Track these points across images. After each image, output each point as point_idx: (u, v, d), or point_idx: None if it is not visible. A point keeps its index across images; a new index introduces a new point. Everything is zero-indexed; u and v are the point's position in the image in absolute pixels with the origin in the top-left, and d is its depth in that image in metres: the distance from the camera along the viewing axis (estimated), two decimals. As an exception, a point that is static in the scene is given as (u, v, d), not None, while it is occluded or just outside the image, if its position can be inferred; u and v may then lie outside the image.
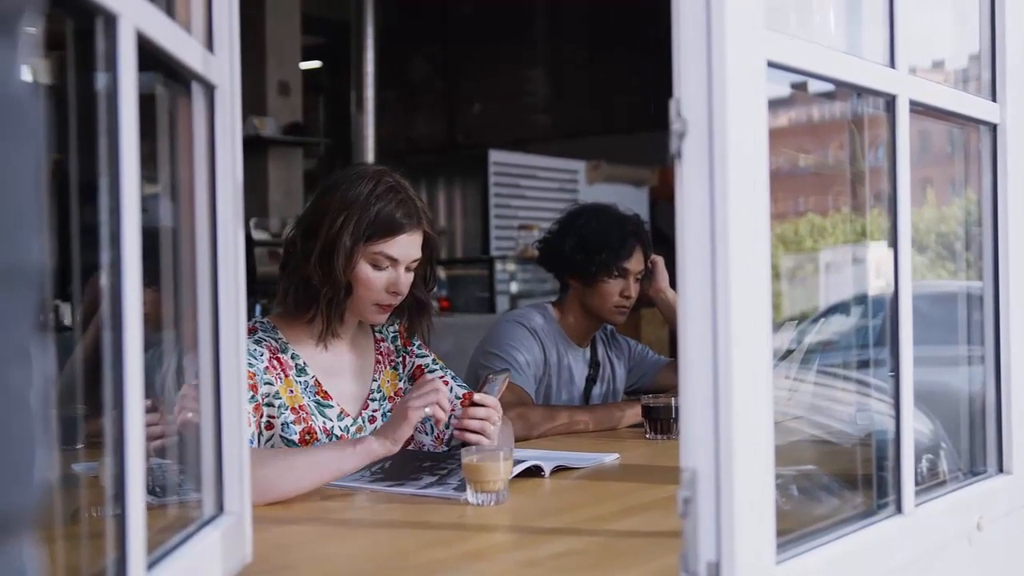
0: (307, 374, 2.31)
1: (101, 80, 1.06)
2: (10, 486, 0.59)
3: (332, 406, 2.32)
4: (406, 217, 2.29)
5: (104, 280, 1.06)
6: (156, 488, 1.41)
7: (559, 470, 2.27)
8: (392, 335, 2.52)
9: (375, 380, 2.44)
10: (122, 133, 1.05)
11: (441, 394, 2.09)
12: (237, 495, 1.45)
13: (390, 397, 2.45)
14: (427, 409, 2.05)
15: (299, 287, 2.29)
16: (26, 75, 0.61)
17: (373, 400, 2.42)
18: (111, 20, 1.03)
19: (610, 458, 2.44)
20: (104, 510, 1.42)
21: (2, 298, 0.58)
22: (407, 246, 2.31)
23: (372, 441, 2.06)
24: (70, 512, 1.33)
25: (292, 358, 2.31)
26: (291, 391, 2.27)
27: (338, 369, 2.38)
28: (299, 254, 2.28)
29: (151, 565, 1.13)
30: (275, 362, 2.26)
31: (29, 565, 0.62)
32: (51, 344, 0.65)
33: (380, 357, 2.47)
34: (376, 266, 2.28)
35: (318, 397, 2.31)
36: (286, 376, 2.27)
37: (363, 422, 2.37)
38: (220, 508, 1.43)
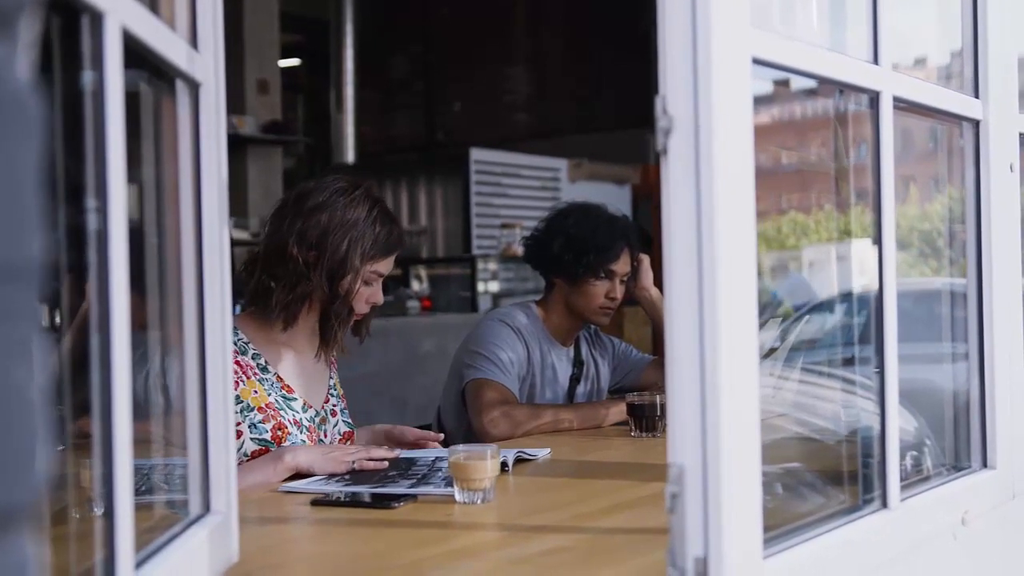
0: (269, 372, 2.39)
1: (86, 78, 1.05)
2: (13, 481, 0.59)
3: (296, 399, 2.42)
4: (400, 238, 2.45)
5: (86, 280, 1.06)
6: (140, 487, 1.41)
7: (520, 461, 2.33)
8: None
9: (331, 378, 2.57)
10: (108, 131, 1.04)
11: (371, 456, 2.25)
12: (224, 495, 1.44)
13: (341, 396, 2.59)
14: (355, 465, 2.21)
15: (299, 301, 2.37)
16: (25, 73, 0.61)
17: (332, 396, 2.54)
18: (97, 18, 1.03)
19: (542, 453, 2.47)
20: (87, 510, 1.41)
21: (5, 294, 0.58)
22: (393, 262, 2.47)
23: (286, 454, 2.20)
24: (54, 512, 1.32)
25: (253, 358, 2.38)
26: (255, 391, 2.34)
27: (299, 368, 2.47)
28: (300, 269, 2.34)
29: (138, 564, 1.13)
30: (235, 365, 2.29)
31: (31, 559, 0.62)
32: (49, 342, 0.65)
33: (332, 360, 2.59)
34: (366, 283, 2.41)
35: (283, 392, 2.40)
36: (248, 378, 2.35)
37: (326, 414, 2.50)
38: (207, 507, 1.42)
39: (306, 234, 2.35)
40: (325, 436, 2.46)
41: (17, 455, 0.59)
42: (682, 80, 1.22)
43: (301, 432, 2.37)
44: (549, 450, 2.49)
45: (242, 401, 2.30)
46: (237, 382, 2.29)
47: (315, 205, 2.36)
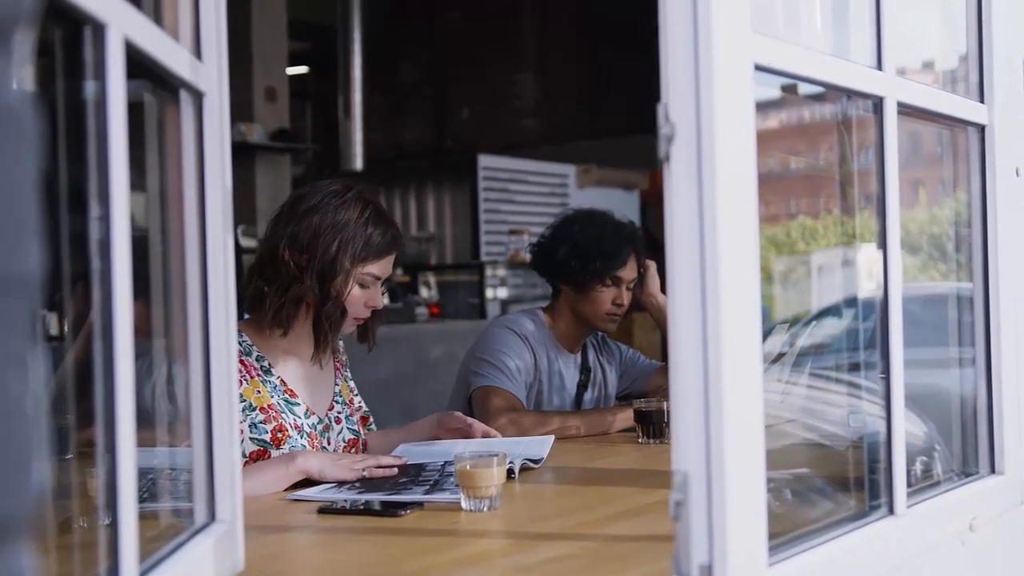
0: (273, 375, 2.40)
1: (89, 88, 1.05)
2: (9, 492, 0.59)
3: (299, 404, 2.42)
4: (394, 240, 2.43)
5: (93, 289, 1.06)
6: (144, 494, 1.41)
7: (525, 469, 2.33)
8: (341, 347, 2.65)
9: (336, 385, 2.56)
10: (111, 141, 1.05)
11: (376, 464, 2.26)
12: (229, 503, 1.44)
13: (348, 402, 2.58)
14: (364, 472, 2.21)
15: (292, 304, 2.36)
16: (21, 84, 0.61)
17: (337, 403, 2.54)
18: (99, 29, 1.03)
19: (548, 442, 2.52)
20: (93, 519, 1.41)
21: (1, 307, 0.59)
22: (390, 265, 2.45)
23: (297, 457, 2.19)
24: (60, 521, 1.33)
25: (257, 360, 2.39)
26: (258, 392, 2.35)
27: (303, 374, 2.47)
28: (292, 272, 2.35)
29: (143, 573, 1.13)
30: (239, 365, 2.29)
31: (27, 570, 0.62)
32: (45, 353, 0.66)
33: (338, 365, 2.59)
34: (362, 285, 2.41)
35: (286, 396, 2.40)
36: (252, 378, 2.36)
37: (330, 421, 2.49)
38: (212, 516, 1.43)
39: (298, 237, 2.35)
40: (328, 443, 2.46)
41: (13, 467, 0.59)
42: (684, 87, 1.22)
43: (301, 437, 2.37)
44: (552, 437, 2.56)
45: (244, 400, 2.31)
46: (240, 381, 2.29)
47: (308, 208, 2.37)
